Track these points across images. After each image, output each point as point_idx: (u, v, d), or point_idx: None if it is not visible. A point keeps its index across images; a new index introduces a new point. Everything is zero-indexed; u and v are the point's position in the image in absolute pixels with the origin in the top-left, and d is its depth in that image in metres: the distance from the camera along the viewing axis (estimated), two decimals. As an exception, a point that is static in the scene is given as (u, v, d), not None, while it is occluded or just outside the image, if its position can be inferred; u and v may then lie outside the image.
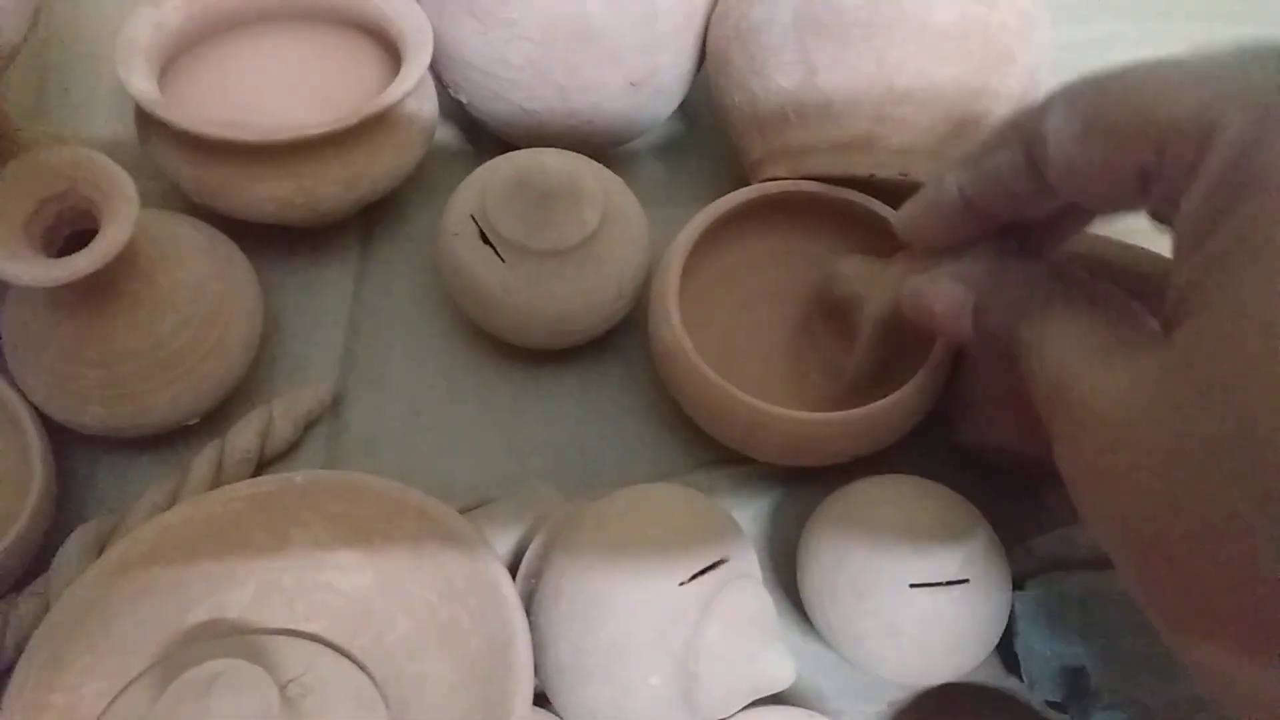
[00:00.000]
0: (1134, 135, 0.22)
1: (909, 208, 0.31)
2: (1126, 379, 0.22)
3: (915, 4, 0.38)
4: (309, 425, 0.42)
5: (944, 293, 0.30)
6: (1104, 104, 0.23)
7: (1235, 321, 0.19)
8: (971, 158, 0.28)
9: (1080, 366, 0.24)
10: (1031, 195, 0.27)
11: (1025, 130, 0.26)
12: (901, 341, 0.37)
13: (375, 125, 0.40)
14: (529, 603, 0.33)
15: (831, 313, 0.40)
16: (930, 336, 0.33)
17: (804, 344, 0.42)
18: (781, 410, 0.36)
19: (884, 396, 0.36)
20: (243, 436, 0.40)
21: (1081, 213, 0.29)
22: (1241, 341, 0.19)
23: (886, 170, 0.40)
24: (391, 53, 0.44)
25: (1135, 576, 0.22)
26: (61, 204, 0.35)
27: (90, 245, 0.33)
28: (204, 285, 0.38)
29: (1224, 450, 0.19)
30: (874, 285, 0.36)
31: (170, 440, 0.40)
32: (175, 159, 0.40)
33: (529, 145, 0.43)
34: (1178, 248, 0.22)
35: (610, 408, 0.43)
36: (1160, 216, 0.23)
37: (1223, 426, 0.19)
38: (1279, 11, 0.60)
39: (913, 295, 0.31)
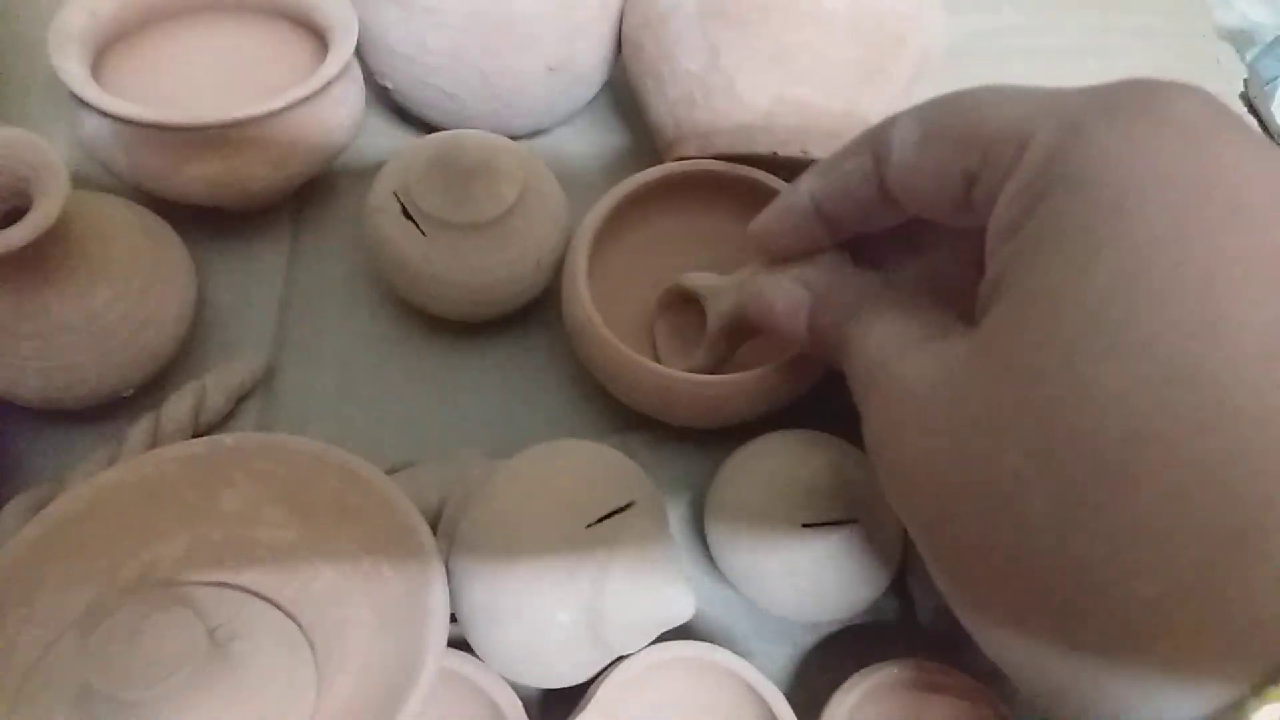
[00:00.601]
0: (963, 142, 0.25)
1: (763, 214, 0.34)
2: (934, 360, 0.25)
3: (812, -11, 0.41)
4: (241, 398, 0.43)
5: (784, 292, 0.33)
6: (941, 116, 0.26)
7: (1031, 302, 0.21)
8: (824, 165, 0.31)
9: (895, 351, 0.26)
10: (875, 203, 0.30)
11: (875, 140, 0.29)
12: (742, 341, 0.40)
13: (302, 109, 0.42)
14: (448, 554, 0.35)
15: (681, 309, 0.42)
16: (769, 335, 0.36)
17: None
18: (684, 375, 0.38)
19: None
20: (176, 408, 0.41)
21: (922, 236, 0.32)
22: (1035, 319, 0.21)
23: (788, 149, 0.43)
24: (320, 41, 0.46)
25: (929, 551, 0.25)
26: (-3, 184, 0.36)
27: (23, 219, 0.35)
28: (137, 260, 0.40)
29: (1014, 416, 0.21)
30: (720, 288, 0.38)
31: (107, 412, 0.42)
32: (108, 143, 0.42)
33: (453, 128, 0.45)
34: (990, 245, 0.24)
35: (534, 377, 0.45)
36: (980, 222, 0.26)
37: (1014, 396, 0.21)
38: (1171, 7, 0.63)
39: (756, 293, 0.34)
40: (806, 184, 0.32)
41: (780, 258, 0.35)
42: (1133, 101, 0.22)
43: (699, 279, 0.41)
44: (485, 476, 0.37)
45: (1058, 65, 0.58)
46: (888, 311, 0.29)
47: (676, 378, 0.38)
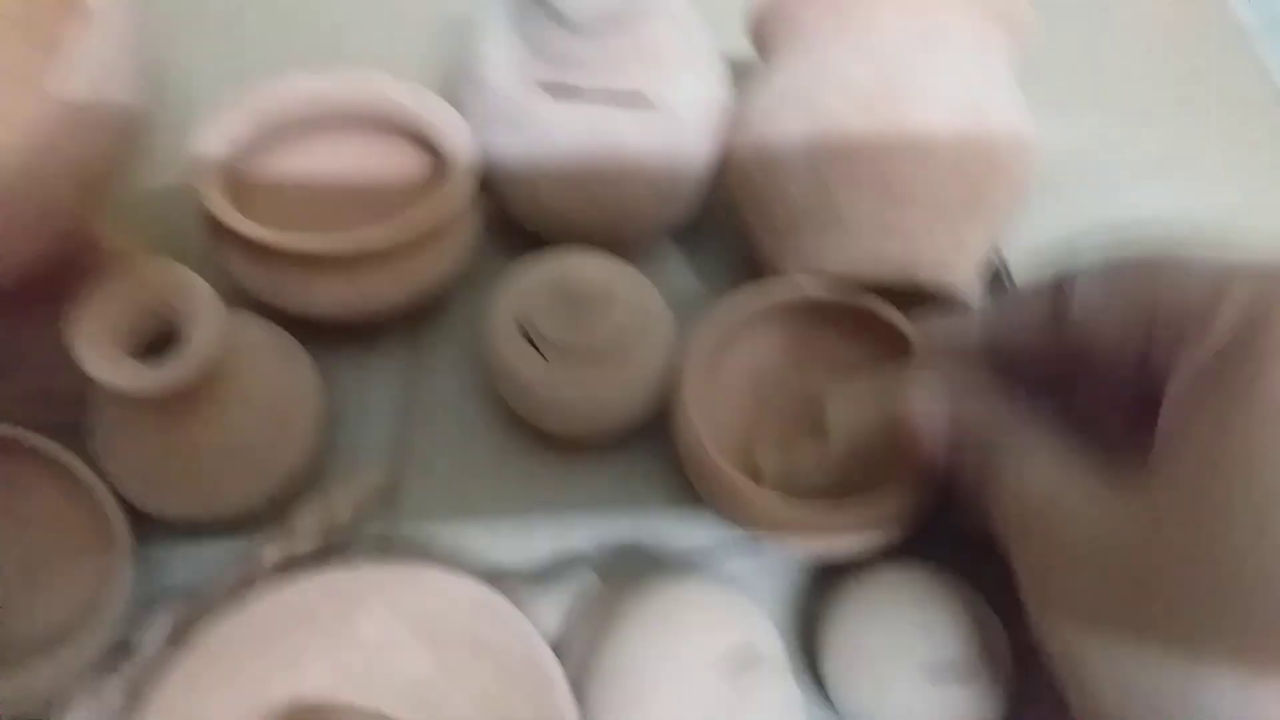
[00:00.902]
0: (1147, 312, 0.27)
1: (933, 326, 0.36)
2: (1107, 508, 0.26)
3: (916, 124, 0.42)
4: (364, 509, 0.45)
5: (933, 400, 0.34)
6: (1127, 282, 0.28)
7: (1219, 470, 0.23)
8: (1002, 303, 0.33)
9: (1060, 495, 0.28)
10: (1046, 350, 0.31)
11: (1057, 291, 0.30)
12: (863, 457, 0.41)
13: (433, 233, 0.44)
14: (574, 684, 0.37)
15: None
16: (899, 450, 0.37)
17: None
18: (794, 504, 0.39)
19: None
20: (306, 524, 0.43)
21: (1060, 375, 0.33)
22: (1223, 490, 0.23)
23: (892, 276, 0.44)
24: (437, 156, 0.48)
25: (1080, 684, 0.27)
26: (153, 315, 0.38)
27: (182, 356, 0.36)
28: (274, 383, 0.42)
29: (1194, 581, 0.23)
30: (846, 393, 0.40)
31: (238, 524, 0.44)
32: (244, 263, 0.44)
33: (562, 242, 0.46)
34: (1171, 399, 0.26)
35: (645, 494, 0.47)
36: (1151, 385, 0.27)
37: (1196, 561, 0.23)
38: (1257, 105, 0.64)
39: (901, 395, 0.35)
40: (981, 316, 0.34)
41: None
42: None
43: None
44: (610, 607, 0.38)
45: (1144, 176, 0.58)
46: (1041, 449, 0.30)
47: (787, 507, 0.39)
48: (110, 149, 0.35)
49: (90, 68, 0.32)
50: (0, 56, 0.40)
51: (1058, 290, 0.30)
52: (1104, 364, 0.29)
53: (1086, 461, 0.29)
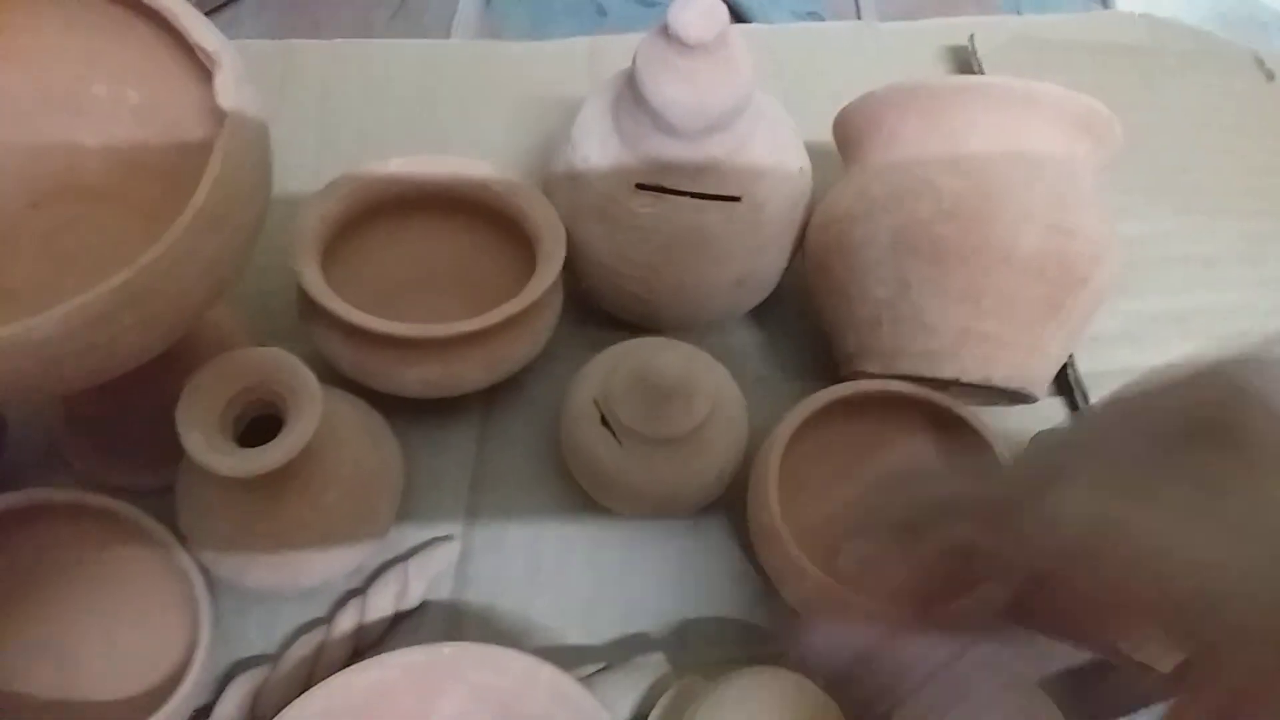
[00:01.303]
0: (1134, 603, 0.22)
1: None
2: None
3: (1002, 235, 0.43)
4: (436, 580, 0.46)
5: (827, 648, 0.28)
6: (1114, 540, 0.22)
7: None
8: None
9: None
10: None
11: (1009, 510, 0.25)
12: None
13: (517, 318, 0.45)
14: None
15: None
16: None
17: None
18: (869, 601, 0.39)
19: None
20: (382, 596, 0.44)
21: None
22: None
23: (970, 376, 0.45)
24: (521, 235, 0.49)
25: None
26: (251, 395, 0.39)
27: (280, 440, 0.37)
28: (360, 460, 0.43)
29: None
30: None
31: (314, 592, 0.45)
32: (336, 342, 0.45)
33: (642, 326, 0.47)
34: None
35: (709, 574, 0.47)
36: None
37: None
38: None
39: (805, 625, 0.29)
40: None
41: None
42: None
43: None
44: (684, 700, 0.39)
45: (1211, 272, 0.59)
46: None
47: (859, 601, 0.39)
48: (241, 246, 0.36)
49: (226, 169, 0.34)
50: (145, 157, 0.42)
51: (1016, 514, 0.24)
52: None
53: None
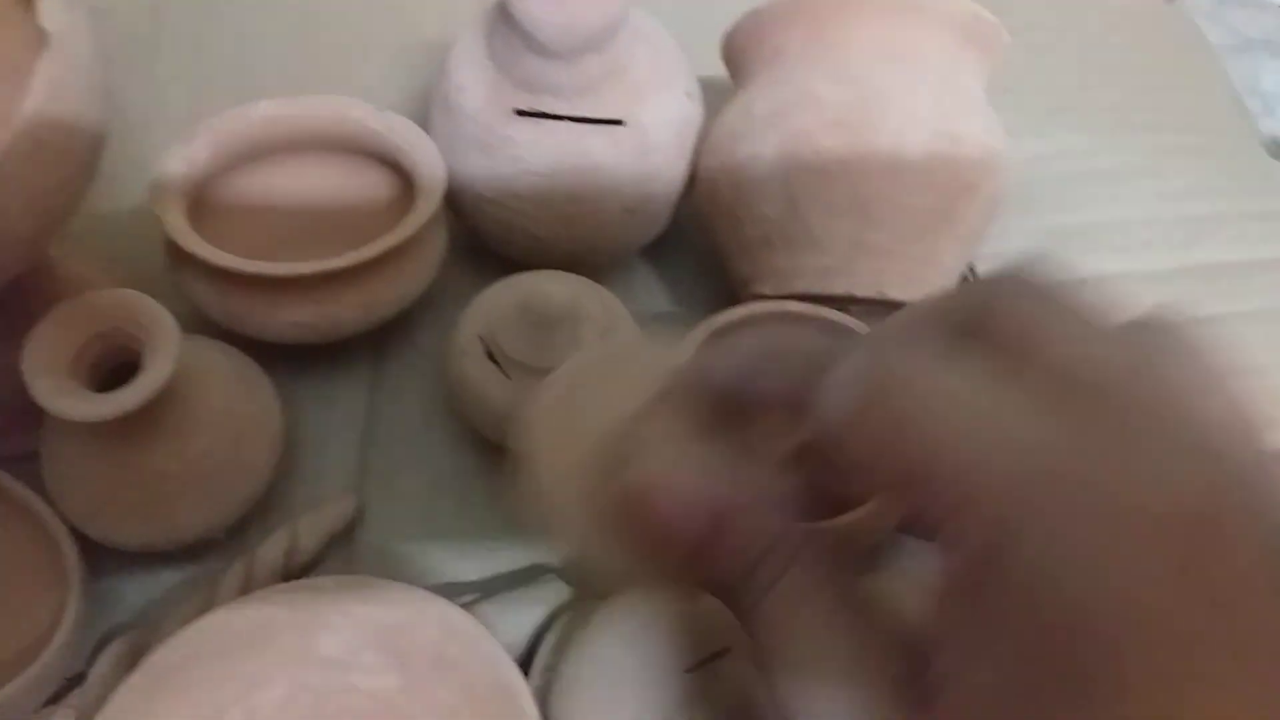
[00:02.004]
0: (902, 452, 0.21)
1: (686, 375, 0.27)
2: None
3: (887, 143, 0.42)
4: (332, 538, 0.44)
5: (677, 499, 0.24)
6: (881, 400, 0.21)
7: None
8: (753, 352, 0.25)
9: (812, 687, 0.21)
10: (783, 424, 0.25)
11: (807, 373, 0.23)
12: None
13: (393, 254, 0.43)
14: (546, 693, 0.36)
15: None
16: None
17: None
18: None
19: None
20: (270, 553, 0.42)
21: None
22: None
23: (864, 290, 0.44)
24: (403, 175, 0.48)
25: None
26: (106, 341, 0.37)
27: (135, 382, 0.36)
28: (232, 408, 0.41)
29: None
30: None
31: (195, 551, 0.43)
32: (204, 288, 0.43)
33: (531, 264, 0.46)
34: (938, 590, 0.20)
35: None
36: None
37: None
38: (1220, 124, 0.64)
39: (640, 465, 0.25)
40: (731, 361, 0.26)
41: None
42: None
43: None
44: (581, 617, 0.37)
45: (1113, 187, 0.59)
46: (800, 599, 0.22)
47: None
48: (69, 177, 0.34)
49: (49, 95, 0.32)
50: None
51: (810, 379, 0.23)
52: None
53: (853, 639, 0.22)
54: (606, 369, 0.28)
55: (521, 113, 0.44)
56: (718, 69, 0.51)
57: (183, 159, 0.45)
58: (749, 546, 0.23)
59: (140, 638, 0.40)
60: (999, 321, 0.22)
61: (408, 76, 0.59)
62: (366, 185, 0.50)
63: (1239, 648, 0.17)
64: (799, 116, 0.43)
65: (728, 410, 0.26)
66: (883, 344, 0.23)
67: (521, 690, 0.35)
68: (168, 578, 0.43)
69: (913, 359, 0.21)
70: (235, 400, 0.41)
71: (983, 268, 0.54)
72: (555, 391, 0.27)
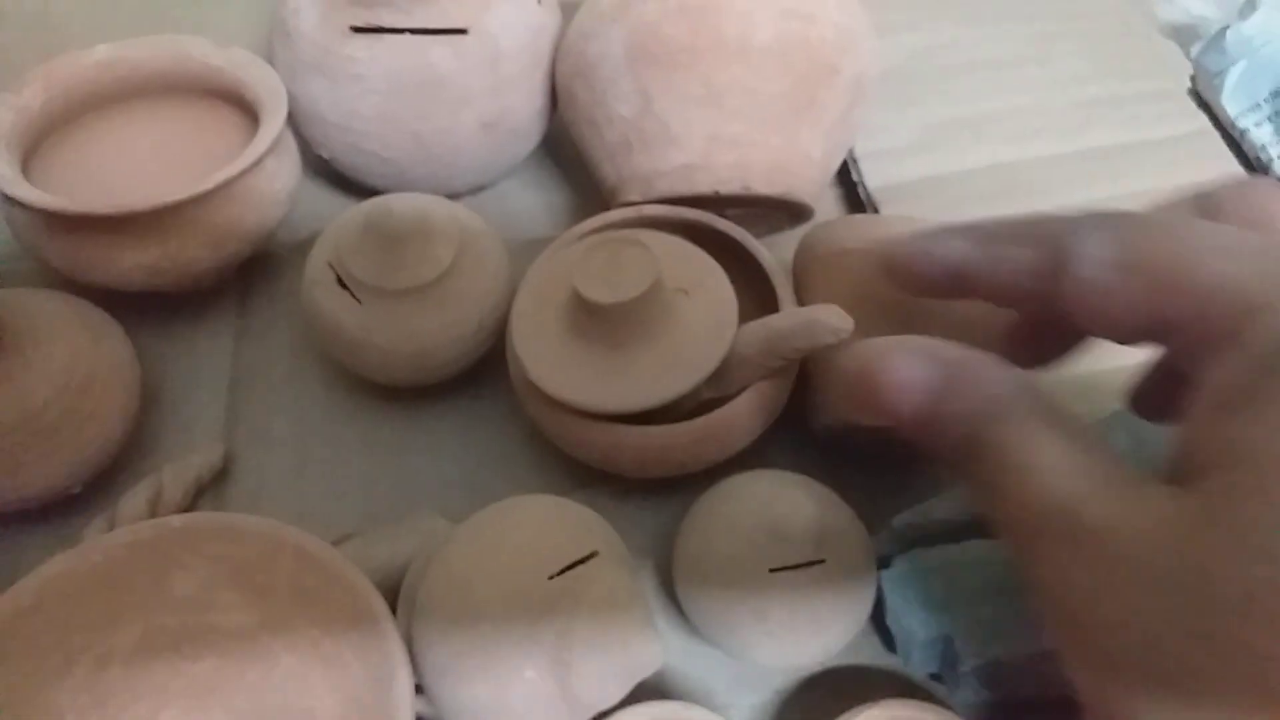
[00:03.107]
0: (1174, 288, 0.23)
1: (903, 248, 0.30)
2: (1150, 519, 0.22)
3: (735, 27, 0.41)
4: (201, 489, 0.42)
5: (904, 364, 0.26)
6: (1149, 247, 0.24)
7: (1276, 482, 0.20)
8: (984, 235, 0.28)
9: (1088, 495, 0.23)
10: (1036, 298, 0.27)
11: (1055, 239, 0.26)
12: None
13: (235, 187, 0.42)
14: (410, 621, 0.35)
15: None
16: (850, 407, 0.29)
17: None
18: (630, 428, 0.37)
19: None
20: (133, 505, 0.40)
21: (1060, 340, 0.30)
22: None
23: (729, 186, 0.42)
24: (253, 116, 0.46)
25: (1096, 668, 0.23)
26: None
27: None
28: (76, 356, 0.39)
29: (1262, 598, 0.20)
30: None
31: (59, 510, 0.41)
32: (41, 237, 0.41)
33: (394, 192, 0.44)
34: (1203, 403, 0.23)
35: (492, 438, 0.45)
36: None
37: (1264, 579, 0.20)
38: (1111, 10, 0.63)
39: (859, 358, 0.27)
40: (959, 244, 0.28)
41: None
42: None
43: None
44: (445, 538, 0.36)
45: (1000, 76, 0.57)
46: (1049, 426, 0.24)
47: (621, 431, 0.37)
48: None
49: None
50: None
51: (1055, 239, 0.26)
52: (1110, 332, 0.25)
53: (1108, 452, 0.24)
54: None
55: (358, 29, 0.43)
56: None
57: (12, 107, 0.43)
58: (983, 384, 0.25)
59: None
60: (1232, 205, 0.26)
61: (257, 14, 0.57)
62: (218, 127, 0.48)
63: None
64: (641, 6, 0.42)
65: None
66: (1133, 216, 0.25)
67: (384, 615, 0.33)
68: (33, 540, 0.41)
69: (1171, 218, 0.25)
70: (79, 348, 0.40)
71: (868, 165, 0.53)
72: None
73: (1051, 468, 0.23)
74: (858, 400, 0.27)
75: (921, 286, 0.30)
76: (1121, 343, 0.26)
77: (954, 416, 0.25)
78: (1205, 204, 0.27)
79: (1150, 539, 0.22)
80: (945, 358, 0.26)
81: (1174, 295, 0.23)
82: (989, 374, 0.26)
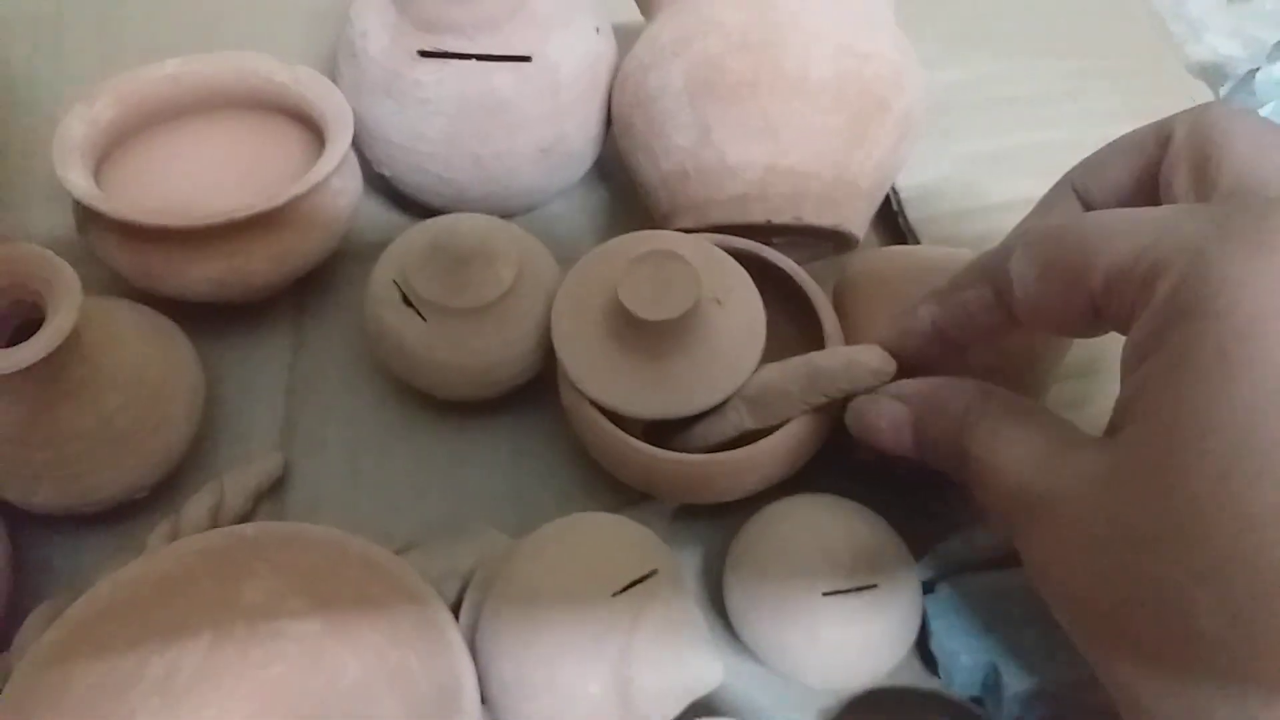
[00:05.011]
0: (1083, 275, 0.26)
1: (886, 334, 0.35)
2: (1076, 479, 0.25)
3: (794, 62, 0.42)
4: (260, 497, 0.43)
5: (885, 410, 0.33)
6: (1055, 251, 0.27)
7: (1175, 426, 0.22)
8: (941, 294, 0.32)
9: (1034, 473, 0.27)
10: (998, 326, 0.31)
11: (990, 271, 0.30)
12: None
13: (301, 204, 0.43)
14: (474, 631, 0.36)
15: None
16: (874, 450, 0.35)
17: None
18: (668, 455, 0.38)
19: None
20: (195, 511, 0.41)
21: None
22: (1182, 443, 0.22)
23: (781, 216, 0.44)
24: (315, 132, 0.47)
25: (1088, 641, 0.25)
26: (6, 298, 0.37)
27: (35, 335, 0.35)
28: (146, 365, 0.40)
29: (1168, 536, 0.22)
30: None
31: (124, 515, 0.42)
32: (113, 247, 0.42)
33: (450, 212, 0.45)
34: (1124, 366, 0.25)
35: (542, 453, 0.46)
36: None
37: (1166, 517, 0.22)
38: (1143, 49, 0.65)
39: (856, 416, 0.35)
40: (926, 310, 0.33)
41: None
42: (1249, 228, 0.23)
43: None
44: (506, 553, 0.37)
45: (1035, 111, 0.59)
46: (1006, 422, 0.29)
47: (659, 457, 0.38)
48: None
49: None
50: None
51: (991, 272, 0.30)
52: (1060, 329, 0.29)
53: (1051, 419, 0.28)
54: None
55: (425, 54, 0.44)
56: (632, 14, 0.51)
57: (84, 119, 0.44)
58: (950, 404, 0.31)
59: (65, 603, 0.39)
60: (1183, 131, 0.29)
61: (319, 31, 0.58)
62: (281, 142, 0.49)
63: None
64: (704, 42, 0.43)
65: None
66: (1041, 227, 0.28)
67: (448, 623, 0.34)
68: (95, 543, 0.42)
69: (1071, 218, 0.28)
70: (149, 358, 0.41)
71: (908, 195, 0.54)
72: None
73: (1016, 456, 0.27)
74: (867, 444, 0.34)
75: (912, 363, 0.34)
76: (1084, 337, 0.29)
77: (937, 437, 0.31)
78: (1161, 132, 0.30)
79: (1084, 500, 0.24)
80: (912, 392, 0.33)
81: (1089, 284, 0.26)
82: (951, 394, 0.31)
